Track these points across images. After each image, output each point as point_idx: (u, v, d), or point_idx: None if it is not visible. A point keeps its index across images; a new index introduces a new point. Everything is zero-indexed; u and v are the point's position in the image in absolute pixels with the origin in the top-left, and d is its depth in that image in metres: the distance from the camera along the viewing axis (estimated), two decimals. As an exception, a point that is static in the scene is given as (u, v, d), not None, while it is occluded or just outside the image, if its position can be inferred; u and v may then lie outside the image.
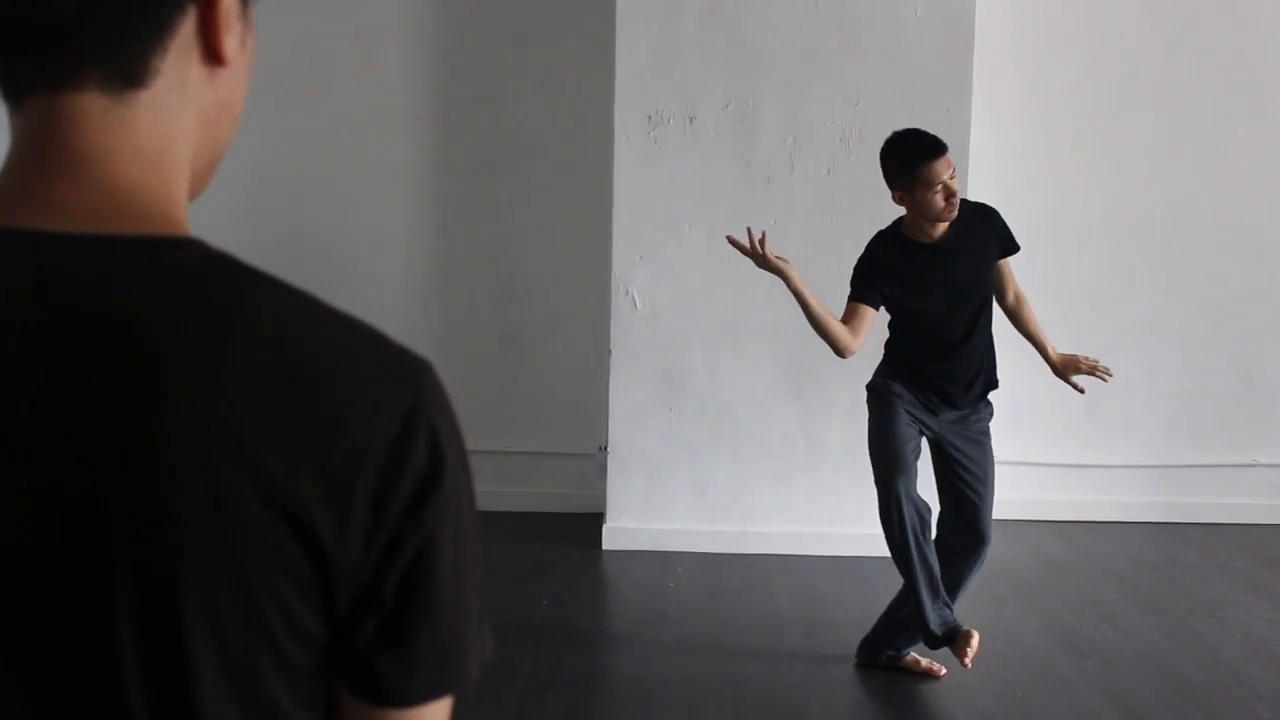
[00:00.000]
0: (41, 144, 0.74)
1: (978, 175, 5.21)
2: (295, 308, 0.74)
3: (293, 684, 0.73)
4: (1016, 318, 3.92)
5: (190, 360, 0.69)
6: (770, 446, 5.12)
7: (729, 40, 5.04)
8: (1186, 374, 5.75)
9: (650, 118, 5.04)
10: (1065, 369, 3.88)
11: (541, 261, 5.61)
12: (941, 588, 3.69)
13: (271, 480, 0.69)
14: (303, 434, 0.70)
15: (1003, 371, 5.61)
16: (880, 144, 5.04)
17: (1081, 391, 3.94)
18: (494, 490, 5.36)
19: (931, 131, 5.19)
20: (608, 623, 4.57)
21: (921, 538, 3.66)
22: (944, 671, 3.87)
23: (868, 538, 4.33)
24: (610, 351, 5.16)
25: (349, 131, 5.52)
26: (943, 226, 3.62)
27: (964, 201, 3.66)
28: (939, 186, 3.54)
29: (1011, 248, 3.78)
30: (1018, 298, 3.89)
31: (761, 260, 3.54)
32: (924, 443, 3.77)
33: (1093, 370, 3.86)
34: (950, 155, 3.58)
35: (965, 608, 4.33)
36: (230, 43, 0.77)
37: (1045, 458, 5.72)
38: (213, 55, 0.77)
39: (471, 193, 5.60)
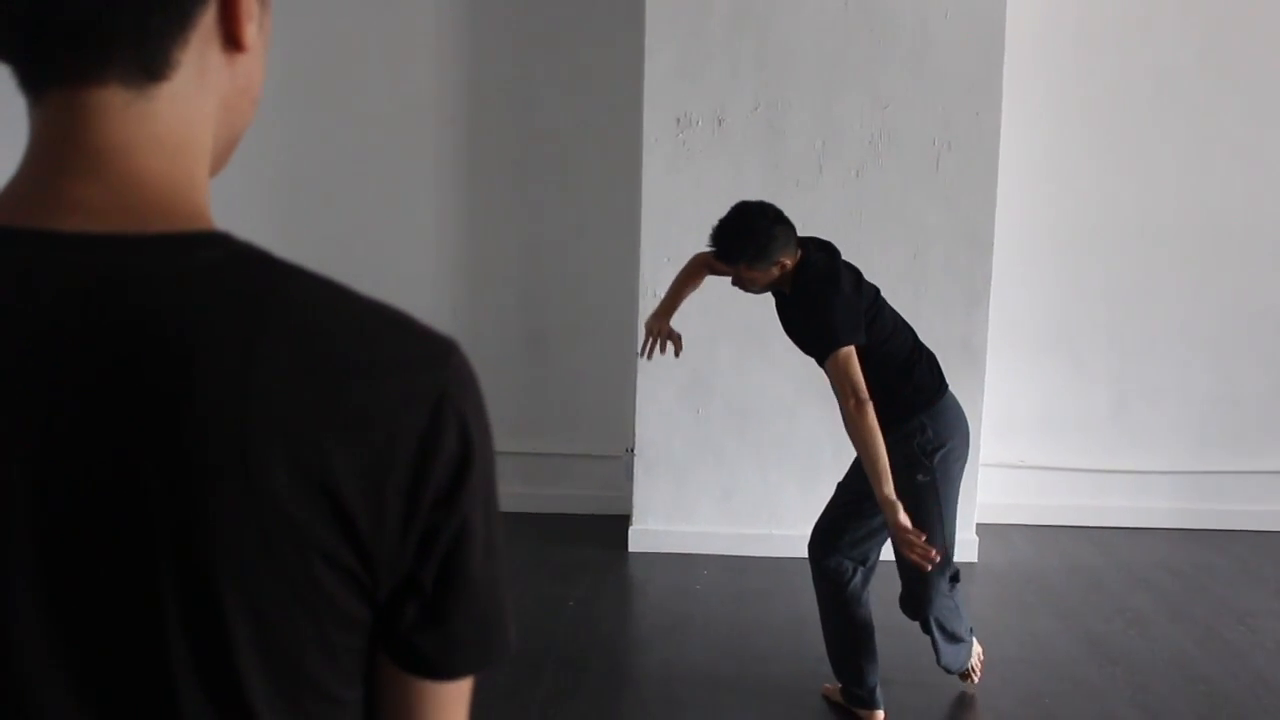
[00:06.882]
0: (61, 140, 0.73)
1: (1007, 178, 5.19)
2: (323, 299, 0.74)
3: (337, 664, 0.75)
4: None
5: (222, 359, 0.69)
6: (796, 449, 5.11)
7: (758, 43, 5.03)
8: (1218, 380, 5.70)
9: (679, 120, 5.04)
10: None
11: (570, 263, 5.62)
12: (860, 658, 3.64)
13: (307, 475, 0.70)
14: (334, 428, 0.70)
15: (1026, 374, 5.57)
16: (909, 147, 5.06)
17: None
18: (521, 492, 5.39)
19: (961, 134, 5.19)
20: (633, 625, 4.58)
21: (832, 602, 3.66)
22: (977, 679, 3.86)
23: (894, 542, 4.30)
24: (638, 354, 5.16)
25: (378, 133, 5.55)
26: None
27: (812, 271, 3.76)
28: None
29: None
30: None
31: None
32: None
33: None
34: (743, 265, 3.75)
35: (991, 612, 4.32)
36: (251, 29, 0.77)
37: (1075, 463, 5.68)
38: (233, 42, 0.77)
39: (500, 195, 5.62)
